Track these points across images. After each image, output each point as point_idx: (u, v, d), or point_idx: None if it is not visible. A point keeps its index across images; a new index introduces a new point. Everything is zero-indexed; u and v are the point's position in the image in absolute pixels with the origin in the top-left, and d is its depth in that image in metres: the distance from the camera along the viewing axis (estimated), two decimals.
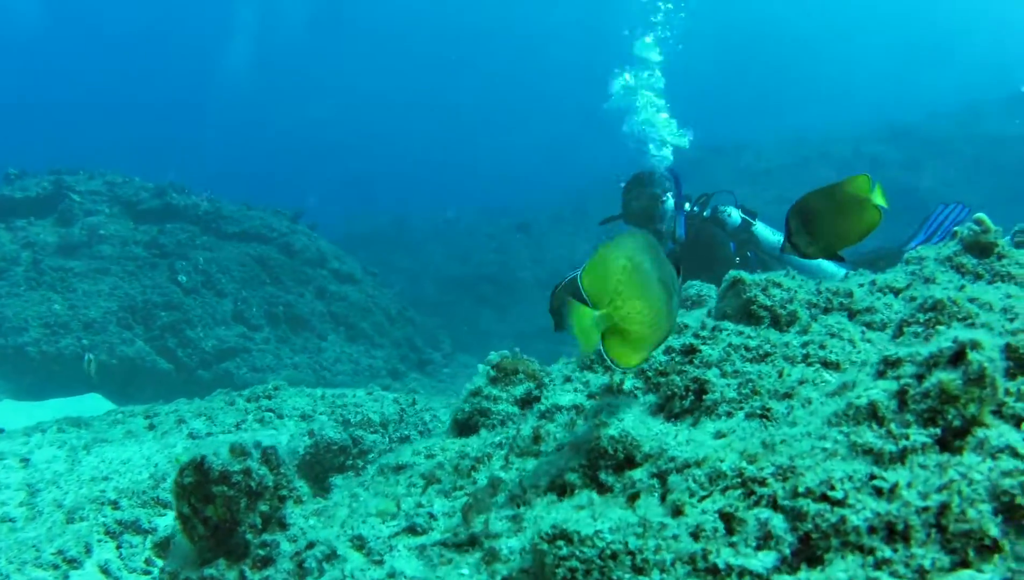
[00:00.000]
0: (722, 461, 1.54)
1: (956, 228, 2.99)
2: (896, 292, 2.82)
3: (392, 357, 14.75)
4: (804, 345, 2.21)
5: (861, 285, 2.96)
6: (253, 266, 14.65)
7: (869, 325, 2.52)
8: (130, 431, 5.49)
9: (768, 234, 7.24)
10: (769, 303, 2.49)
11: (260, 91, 68.75)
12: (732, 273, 2.62)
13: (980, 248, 2.86)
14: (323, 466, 3.97)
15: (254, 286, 14.33)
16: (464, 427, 2.57)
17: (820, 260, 7.18)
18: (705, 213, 7.35)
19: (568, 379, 2.50)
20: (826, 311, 2.61)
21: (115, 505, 4.44)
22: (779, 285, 2.56)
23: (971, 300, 2.27)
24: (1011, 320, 2.20)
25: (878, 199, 2.72)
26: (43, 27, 65.59)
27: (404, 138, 66.70)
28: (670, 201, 7.15)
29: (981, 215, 2.94)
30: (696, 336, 2.25)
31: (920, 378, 1.55)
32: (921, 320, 2.23)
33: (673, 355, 2.21)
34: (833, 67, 60.06)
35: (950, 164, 21.85)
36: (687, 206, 7.31)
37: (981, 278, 2.79)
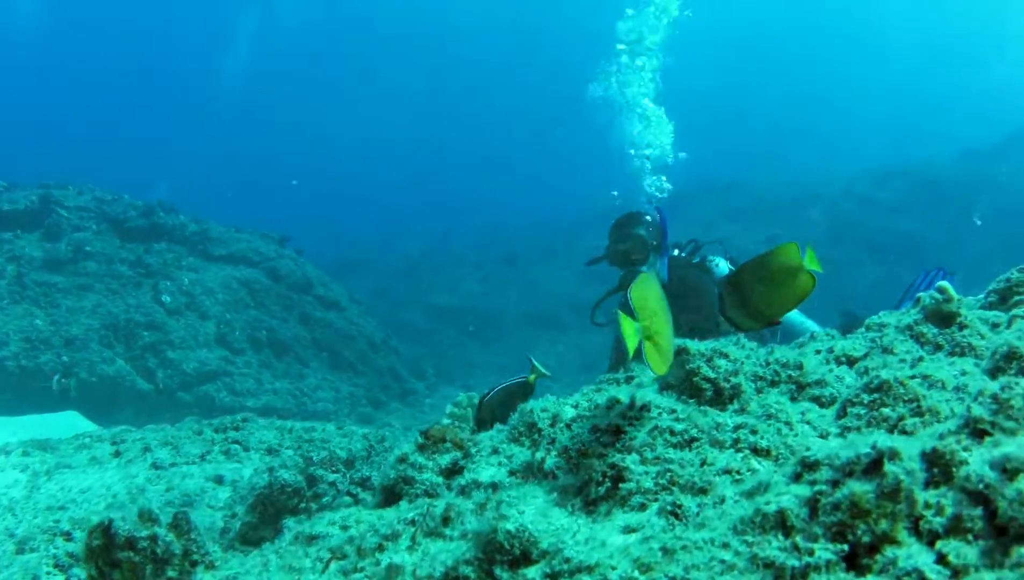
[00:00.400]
0: (613, 569, 1.44)
1: (920, 294, 2.92)
2: (852, 362, 2.74)
3: (374, 386, 14.63)
4: (736, 428, 2.11)
5: (818, 351, 2.87)
6: (238, 289, 14.56)
7: (817, 399, 2.43)
8: (95, 457, 5.37)
9: None
10: (713, 375, 2.39)
11: (256, 102, 69.00)
12: (677, 342, 2.53)
13: (941, 317, 2.78)
14: (277, 507, 3.87)
15: (238, 309, 14.23)
16: (390, 494, 2.48)
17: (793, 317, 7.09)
18: (694, 260, 7.24)
19: (495, 451, 2.41)
20: (773, 384, 2.52)
21: (68, 536, 4.33)
22: (725, 355, 2.47)
23: (924, 377, 2.18)
24: (961, 400, 2.11)
25: (811, 265, 2.67)
26: (40, 33, 65.86)
27: (397, 162, 66.91)
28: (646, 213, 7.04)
29: (944, 283, 2.86)
30: (624, 416, 2.15)
31: (835, 485, 1.45)
32: (866, 401, 2.15)
33: (599, 435, 2.11)
34: (828, 109, 60.30)
35: (943, 208, 21.90)
36: (675, 251, 7.21)
37: (941, 349, 2.70)
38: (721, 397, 2.37)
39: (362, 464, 5.31)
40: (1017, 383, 1.61)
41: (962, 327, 2.74)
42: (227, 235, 15.78)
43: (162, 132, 68.77)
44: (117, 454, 5.40)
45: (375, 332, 15.90)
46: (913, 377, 2.17)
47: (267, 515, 3.88)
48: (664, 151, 8.68)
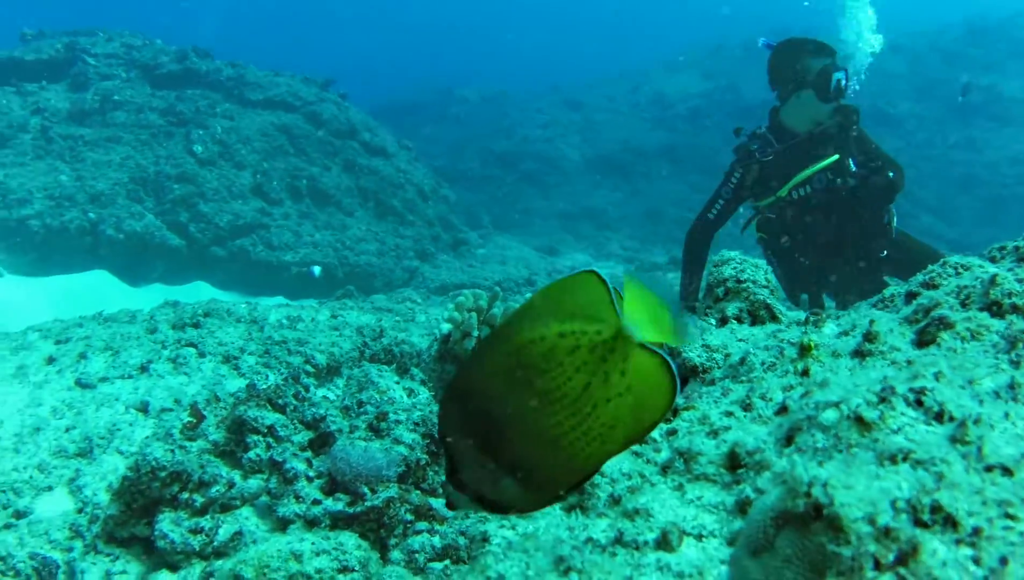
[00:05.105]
0: None
1: None
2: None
3: (423, 237, 13.28)
4: None
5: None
6: (276, 136, 13.17)
7: None
8: (22, 366, 4.00)
9: None
10: None
11: None
12: None
13: None
14: (147, 497, 2.59)
15: (276, 157, 12.87)
16: None
17: None
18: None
19: None
20: None
21: None
22: None
23: None
24: None
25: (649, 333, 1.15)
26: None
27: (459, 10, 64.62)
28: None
29: None
30: None
31: None
32: None
33: None
34: None
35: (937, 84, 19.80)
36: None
37: None
38: None
39: (350, 367, 4.03)
40: None
41: None
42: (265, 79, 14.26)
43: None
44: (51, 360, 4.10)
45: (424, 179, 14.44)
46: None
47: (136, 507, 2.61)
48: None
